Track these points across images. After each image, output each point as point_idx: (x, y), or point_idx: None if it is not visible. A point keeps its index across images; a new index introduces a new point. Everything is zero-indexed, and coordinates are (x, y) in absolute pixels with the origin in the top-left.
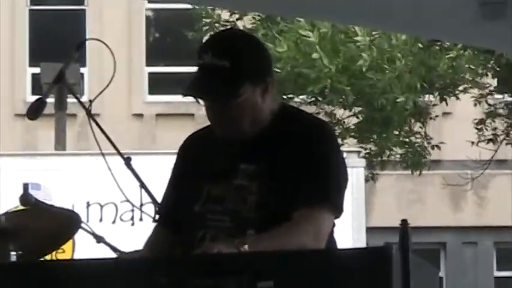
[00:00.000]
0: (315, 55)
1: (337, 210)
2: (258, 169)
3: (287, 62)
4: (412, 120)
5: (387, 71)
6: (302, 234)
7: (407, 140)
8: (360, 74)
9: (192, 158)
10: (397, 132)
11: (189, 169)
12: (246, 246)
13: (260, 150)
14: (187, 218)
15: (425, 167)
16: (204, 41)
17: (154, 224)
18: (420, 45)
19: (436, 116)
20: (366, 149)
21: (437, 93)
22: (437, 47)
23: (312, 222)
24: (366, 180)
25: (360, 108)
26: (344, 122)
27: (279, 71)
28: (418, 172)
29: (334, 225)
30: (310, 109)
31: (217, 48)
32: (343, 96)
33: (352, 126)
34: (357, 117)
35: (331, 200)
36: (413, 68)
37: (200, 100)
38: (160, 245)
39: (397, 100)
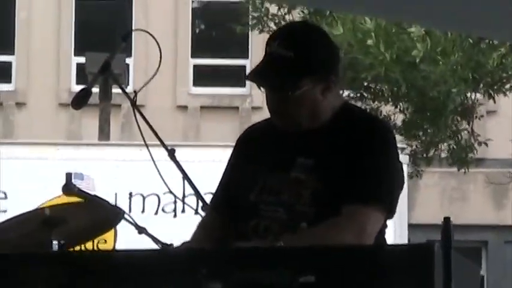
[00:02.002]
0: (369, 41)
1: (388, 212)
2: (315, 164)
3: (341, 46)
4: (459, 118)
5: (441, 63)
6: (344, 231)
7: (454, 136)
8: (413, 65)
9: (251, 148)
10: (445, 128)
11: (247, 159)
12: (282, 243)
13: (318, 145)
14: (242, 207)
15: (470, 164)
16: (275, 30)
17: (196, 216)
18: (471, 40)
19: (482, 116)
20: (411, 146)
21: (484, 89)
22: (484, 45)
23: (357, 219)
24: (410, 177)
25: (406, 105)
26: (390, 119)
27: None
28: (463, 169)
29: (385, 226)
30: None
31: (285, 38)
32: (395, 87)
33: (399, 123)
34: (404, 114)
35: (381, 200)
36: (464, 62)
37: (262, 88)
38: (212, 230)
39: (452, 90)
